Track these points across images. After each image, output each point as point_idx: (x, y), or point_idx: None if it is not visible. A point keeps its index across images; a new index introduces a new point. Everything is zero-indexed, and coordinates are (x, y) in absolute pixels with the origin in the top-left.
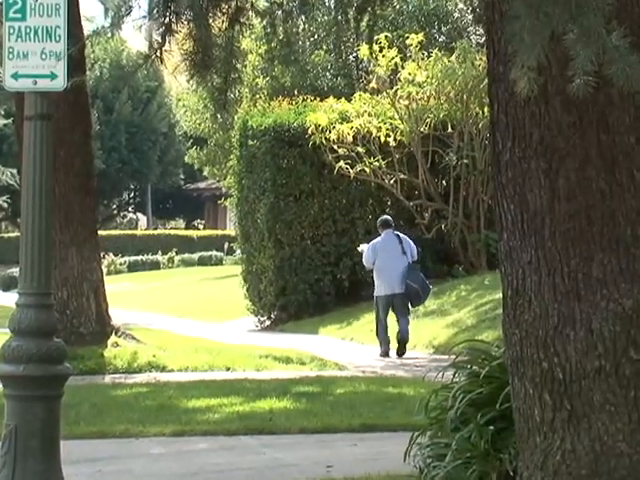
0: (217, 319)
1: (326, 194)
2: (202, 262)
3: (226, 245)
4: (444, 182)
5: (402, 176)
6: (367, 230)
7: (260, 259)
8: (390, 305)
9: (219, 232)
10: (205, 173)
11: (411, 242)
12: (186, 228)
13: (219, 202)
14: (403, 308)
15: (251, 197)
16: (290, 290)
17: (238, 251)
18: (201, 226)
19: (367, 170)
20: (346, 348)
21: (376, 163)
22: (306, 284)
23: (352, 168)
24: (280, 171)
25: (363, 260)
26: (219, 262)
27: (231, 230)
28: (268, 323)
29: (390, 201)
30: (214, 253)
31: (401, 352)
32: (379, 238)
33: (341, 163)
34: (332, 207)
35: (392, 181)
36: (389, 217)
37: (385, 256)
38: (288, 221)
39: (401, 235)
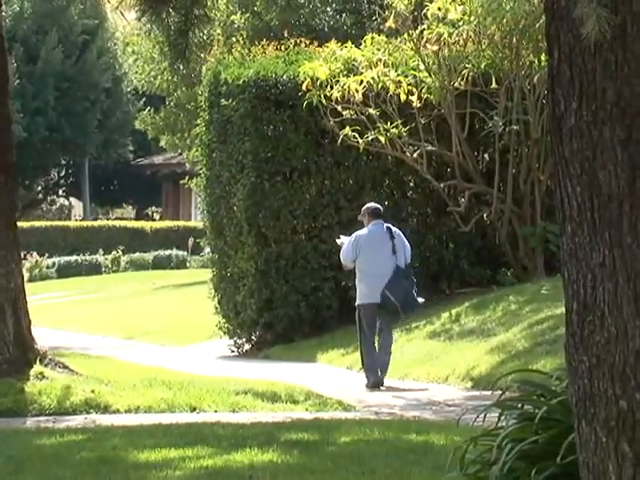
0: (179, 342)
1: (326, 172)
2: (158, 264)
3: (190, 241)
4: (486, 156)
5: (430, 148)
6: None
7: (237, 260)
8: (374, 318)
9: (181, 224)
10: (162, 144)
11: (405, 239)
12: (137, 218)
13: (181, 183)
14: (390, 321)
15: (225, 176)
16: (278, 302)
17: (207, 249)
18: (157, 216)
19: (382, 140)
20: (353, 381)
21: (394, 130)
22: (299, 294)
23: (362, 137)
24: (264, 141)
25: (341, 256)
26: (181, 264)
27: (198, 221)
28: (248, 347)
29: (413, 181)
30: (174, 252)
31: (378, 381)
32: (364, 230)
33: (347, 130)
34: (335, 190)
35: (416, 154)
36: (377, 205)
37: (370, 254)
38: (275, 209)
39: (393, 229)
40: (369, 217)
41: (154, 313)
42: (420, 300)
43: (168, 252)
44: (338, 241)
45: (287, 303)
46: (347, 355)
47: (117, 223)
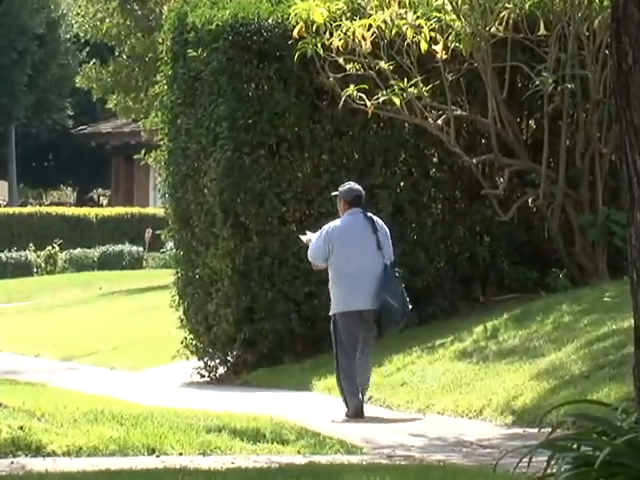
0: (133, 364)
1: (324, 144)
2: (106, 263)
3: (148, 234)
4: (532, 123)
5: (459, 112)
6: (397, 206)
7: (209, 258)
8: (355, 330)
9: (136, 211)
10: (111, 107)
11: (388, 233)
12: (78, 204)
13: (136, 158)
14: (369, 337)
15: (193, 149)
16: (262, 313)
17: (169, 244)
18: (105, 200)
19: (396, 102)
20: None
21: (413, 90)
22: (290, 302)
23: (370, 98)
24: (244, 104)
25: (309, 254)
26: (136, 263)
27: (157, 208)
28: (222, 371)
29: (437, 156)
30: (127, 248)
31: (358, 411)
32: (338, 221)
33: (351, 90)
34: (335, 167)
35: (441, 121)
36: (356, 186)
37: (348, 249)
38: (258, 191)
39: (376, 219)
40: (345, 204)
41: (101, 327)
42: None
43: (119, 247)
44: (304, 238)
45: (274, 314)
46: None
47: (53, 210)
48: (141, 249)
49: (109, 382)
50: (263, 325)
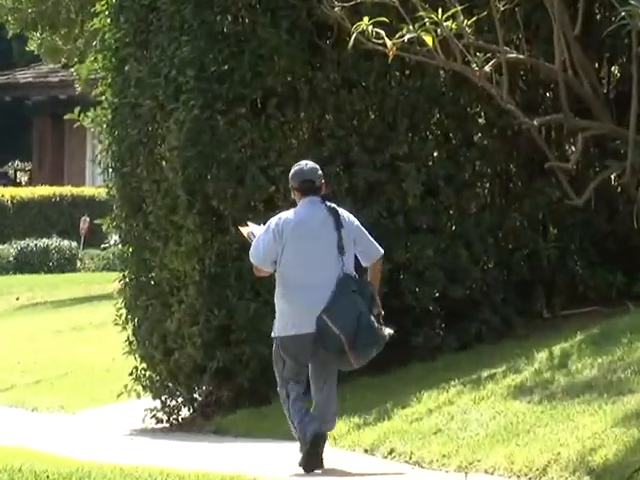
0: (64, 404)
1: (328, 100)
2: (26, 264)
3: (84, 223)
4: (615, 70)
5: (513, 55)
6: (428, 186)
7: (168, 257)
8: (306, 358)
9: (67, 191)
10: (33, 47)
11: (362, 229)
12: None
13: (67, 119)
14: (329, 365)
15: (147, 107)
16: (241, 333)
17: (113, 238)
18: (24, 177)
19: (428, 41)
20: (375, 470)
21: (450, 24)
22: None
23: (391, 37)
24: (216, 44)
25: (251, 255)
26: (68, 264)
27: (97, 187)
28: (187, 413)
29: (484, 116)
30: (55, 242)
31: (310, 462)
32: (290, 212)
33: (365, 24)
34: (343, 131)
35: (489, 67)
36: (312, 166)
37: (302, 251)
38: (236, 165)
39: (342, 212)
40: (297, 191)
41: (19, 353)
42: (387, 332)
43: (44, 242)
44: (244, 230)
45: (257, 334)
46: (366, 426)
47: None
48: (74, 244)
49: (30, 429)
50: (243, 349)
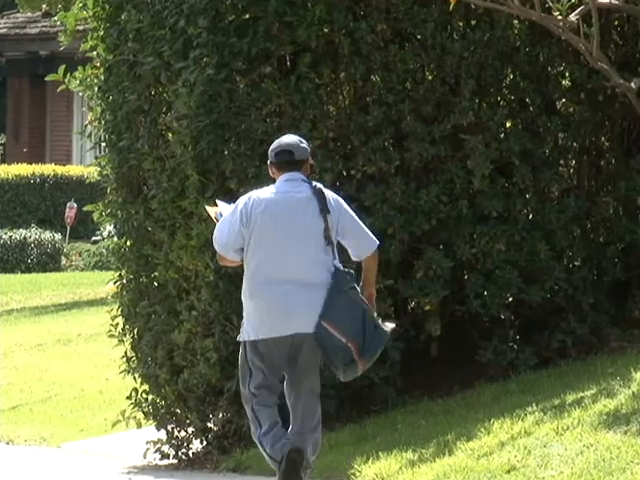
0: (47, 434)
1: (374, 56)
2: None
3: (71, 210)
4: None
5: (605, 0)
6: (499, 163)
7: (175, 252)
8: (282, 366)
9: (49, 171)
10: None
11: (352, 214)
12: None
13: (49, 80)
14: (311, 377)
15: (148, 65)
16: None
17: (107, 229)
18: None
19: None
20: None
21: None
22: None
23: None
24: None
25: (215, 240)
26: (50, 261)
27: (86, 166)
28: (199, 447)
29: (569, 76)
30: (34, 234)
31: None
32: (264, 190)
33: None
34: (393, 96)
35: (574, 15)
36: (290, 140)
37: (275, 239)
38: (259, 138)
39: (328, 193)
40: (273, 166)
41: None
42: (388, 326)
43: (20, 233)
44: (211, 210)
45: None
46: (422, 463)
47: None
48: (58, 237)
49: (5, 465)
50: None
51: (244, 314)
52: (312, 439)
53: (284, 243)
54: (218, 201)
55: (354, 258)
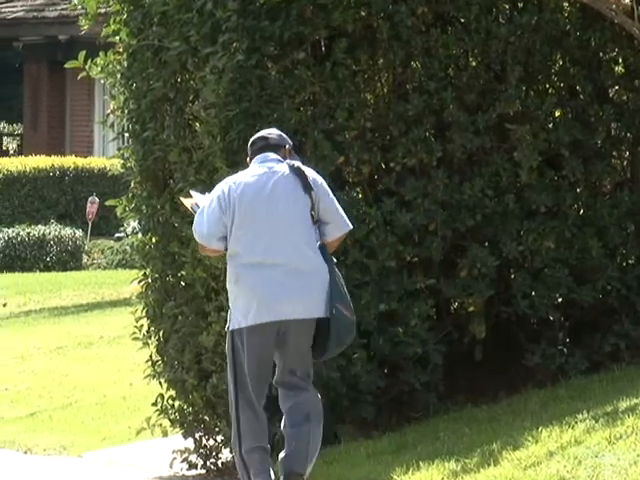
0: (66, 443)
1: (415, 41)
2: (15, 259)
3: (92, 205)
4: None
5: None
6: (547, 155)
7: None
8: (271, 356)
9: (70, 163)
10: None
11: (329, 191)
12: None
13: (69, 67)
14: (300, 369)
15: (175, 50)
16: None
17: (131, 225)
18: (12, 144)
19: None
20: None
21: None
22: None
23: None
24: None
25: (195, 231)
26: (71, 259)
27: (109, 158)
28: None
29: (622, 62)
30: (53, 230)
31: None
32: (240, 174)
33: None
34: (435, 83)
35: None
36: (274, 130)
37: (261, 222)
38: (293, 128)
39: (307, 170)
40: (250, 158)
41: (7, 376)
42: None
43: (38, 229)
44: (186, 202)
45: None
46: (466, 474)
47: None
48: (80, 233)
49: (23, 476)
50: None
51: (230, 302)
52: (315, 442)
53: (269, 225)
54: (192, 192)
55: (328, 238)
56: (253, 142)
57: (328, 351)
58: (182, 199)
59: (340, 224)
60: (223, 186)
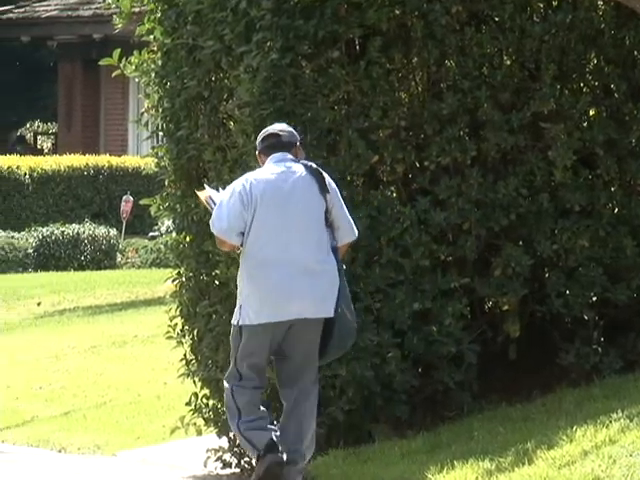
0: (100, 442)
1: (449, 39)
2: (49, 258)
3: (126, 204)
4: None
5: None
6: (581, 153)
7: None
8: (273, 351)
9: (104, 162)
10: None
11: (338, 193)
12: None
13: (103, 65)
14: (311, 366)
15: (209, 49)
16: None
17: (165, 224)
18: (46, 143)
19: None
20: None
21: None
22: (386, 329)
23: None
24: None
25: (213, 225)
26: (104, 258)
27: (143, 157)
28: None
29: None
30: (87, 229)
31: None
32: (259, 172)
33: None
34: (469, 82)
35: None
36: (285, 126)
37: (277, 221)
38: (327, 127)
39: (325, 174)
40: (262, 153)
41: (41, 375)
42: None
43: (73, 228)
44: (201, 194)
45: (358, 350)
46: (500, 473)
47: None
48: (114, 232)
49: (57, 475)
50: (337, 370)
51: (241, 297)
52: (305, 447)
53: (287, 224)
54: (206, 186)
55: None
56: (264, 138)
57: (328, 352)
58: (198, 192)
59: (348, 231)
60: (243, 182)
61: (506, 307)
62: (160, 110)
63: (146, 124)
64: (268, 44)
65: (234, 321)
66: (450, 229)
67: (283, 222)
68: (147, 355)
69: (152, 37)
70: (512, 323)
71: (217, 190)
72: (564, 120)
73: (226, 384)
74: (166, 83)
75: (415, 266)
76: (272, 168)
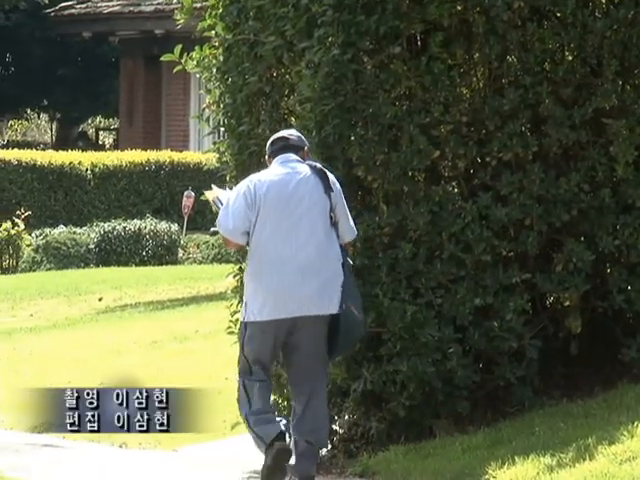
0: (161, 438)
1: (510, 35)
2: (111, 253)
3: (188, 200)
4: None
5: None
6: None
7: None
8: (280, 348)
9: (165, 157)
10: None
11: (341, 192)
12: (59, 144)
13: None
14: (320, 363)
15: (271, 46)
16: (395, 344)
17: None
18: (108, 139)
19: None
20: None
21: None
22: (447, 324)
23: None
24: None
25: (219, 225)
26: (166, 253)
27: (204, 153)
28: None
29: None
30: (149, 224)
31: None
32: (264, 173)
33: None
34: (530, 77)
35: None
36: (293, 131)
37: (281, 220)
38: (388, 123)
39: (329, 174)
40: (269, 157)
41: (102, 370)
42: None
43: (135, 224)
44: (209, 194)
45: (416, 345)
46: (561, 469)
47: (10, 155)
48: (175, 227)
49: (116, 472)
50: (398, 366)
51: (247, 295)
52: (322, 443)
53: (291, 222)
54: (214, 186)
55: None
56: (273, 142)
57: (336, 349)
58: (206, 192)
59: (348, 230)
60: (248, 183)
61: (567, 303)
62: (221, 106)
63: (207, 120)
64: (329, 40)
65: (240, 317)
66: (512, 225)
67: (287, 221)
68: (208, 350)
69: (213, 33)
70: (574, 319)
71: (224, 189)
72: (626, 116)
73: (238, 378)
74: (227, 79)
75: (476, 261)
76: (277, 169)
